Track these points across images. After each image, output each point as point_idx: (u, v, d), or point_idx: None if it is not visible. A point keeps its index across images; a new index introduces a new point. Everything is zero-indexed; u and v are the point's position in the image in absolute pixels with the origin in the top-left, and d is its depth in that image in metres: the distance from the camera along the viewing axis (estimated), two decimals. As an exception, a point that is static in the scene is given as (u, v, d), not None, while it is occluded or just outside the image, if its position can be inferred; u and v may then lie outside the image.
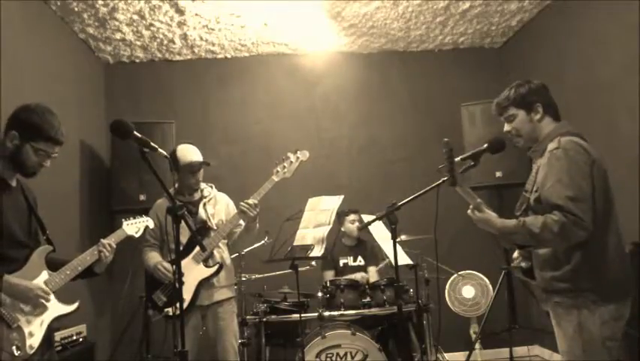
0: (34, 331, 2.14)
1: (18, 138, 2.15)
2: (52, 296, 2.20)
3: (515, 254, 2.35)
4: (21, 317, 2.10)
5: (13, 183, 2.24)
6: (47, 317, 2.21)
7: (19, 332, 2.07)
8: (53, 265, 2.28)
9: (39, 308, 2.17)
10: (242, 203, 3.06)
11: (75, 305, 2.34)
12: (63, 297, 2.27)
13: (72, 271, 2.30)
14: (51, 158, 2.23)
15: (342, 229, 4.29)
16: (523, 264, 2.25)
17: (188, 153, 3.17)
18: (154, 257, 3.13)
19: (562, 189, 1.98)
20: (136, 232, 2.61)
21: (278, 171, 3.19)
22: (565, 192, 1.96)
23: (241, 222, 3.16)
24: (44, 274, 2.24)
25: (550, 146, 2.08)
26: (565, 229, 1.93)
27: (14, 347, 2.03)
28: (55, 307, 2.24)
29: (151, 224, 2.69)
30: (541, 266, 2.14)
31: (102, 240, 2.37)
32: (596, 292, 1.99)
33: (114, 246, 2.38)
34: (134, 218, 2.65)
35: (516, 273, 2.35)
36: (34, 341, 2.12)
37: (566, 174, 1.99)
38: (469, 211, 2.20)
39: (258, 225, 3.23)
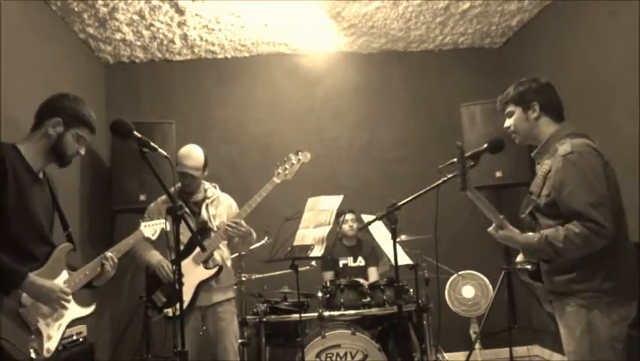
0: (52, 334, 2.07)
1: (61, 125, 2.12)
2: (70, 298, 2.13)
3: (519, 258, 2.33)
4: (40, 320, 2.03)
5: (40, 175, 2.18)
6: (65, 320, 2.15)
7: (38, 335, 2.01)
8: (68, 267, 2.23)
9: (58, 311, 2.10)
10: (227, 224, 3.08)
11: (92, 308, 2.28)
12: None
13: (91, 271, 2.25)
14: (85, 146, 2.22)
15: (338, 230, 4.28)
16: (528, 266, 2.24)
17: (182, 158, 3.14)
18: (154, 254, 3.11)
19: (581, 195, 1.96)
20: (152, 234, 2.60)
21: (279, 173, 3.19)
22: (585, 198, 1.95)
23: None
24: (64, 274, 2.17)
25: (562, 149, 2.06)
26: (587, 241, 1.92)
27: (32, 350, 1.96)
28: (73, 310, 2.18)
29: (167, 227, 2.69)
30: (553, 270, 2.11)
31: (107, 252, 2.33)
32: (611, 293, 1.98)
33: (116, 261, 2.34)
34: (151, 219, 2.64)
35: (521, 276, 2.32)
36: (51, 345, 2.06)
37: (584, 179, 1.98)
38: (490, 230, 2.16)
39: (254, 235, 3.25)
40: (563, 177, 2.02)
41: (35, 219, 2.08)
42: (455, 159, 2.34)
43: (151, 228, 2.60)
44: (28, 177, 2.08)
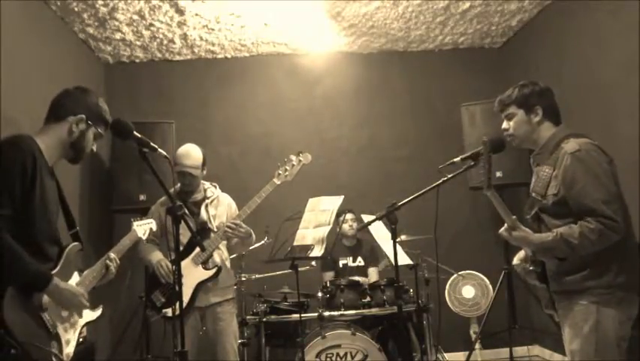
0: (70, 339, 2.04)
1: (85, 123, 2.09)
2: None
3: (520, 256, 2.33)
4: (59, 324, 1.99)
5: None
6: (79, 325, 2.12)
7: (58, 340, 1.96)
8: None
9: (74, 315, 2.07)
10: (226, 225, 3.06)
11: (99, 311, 2.25)
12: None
13: (98, 274, 2.23)
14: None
15: (338, 230, 4.27)
16: (532, 267, 2.23)
17: (180, 158, 3.14)
18: (156, 254, 3.12)
19: (593, 191, 1.98)
20: (143, 234, 2.61)
21: (279, 174, 3.18)
22: (596, 194, 1.97)
23: None
24: (76, 276, 2.14)
25: (569, 147, 2.07)
26: (602, 236, 1.93)
27: (53, 357, 1.91)
28: (86, 314, 2.15)
29: (154, 226, 2.71)
30: (564, 269, 2.09)
31: (110, 253, 2.31)
32: (624, 288, 1.99)
33: (118, 262, 2.32)
34: (141, 219, 2.63)
35: (526, 277, 2.31)
36: (70, 350, 2.02)
37: (594, 176, 2.00)
38: (502, 231, 2.13)
39: (254, 236, 3.24)
40: (574, 174, 2.02)
41: (51, 218, 2.04)
42: (454, 159, 2.35)
43: (141, 228, 2.61)
44: (46, 173, 2.01)
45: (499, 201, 2.07)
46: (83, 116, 2.08)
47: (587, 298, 2.03)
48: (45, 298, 1.92)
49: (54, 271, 1.99)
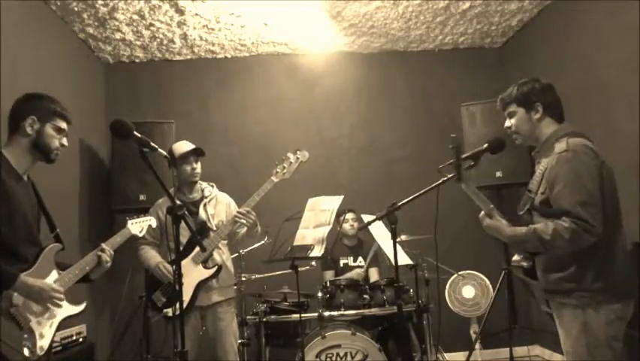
0: (45, 332, 2.12)
1: (37, 122, 2.17)
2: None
3: (515, 257, 2.34)
4: (32, 318, 2.08)
5: (25, 177, 2.23)
6: (57, 319, 2.19)
7: (30, 334, 2.06)
8: (58, 266, 2.27)
9: (50, 309, 2.15)
10: (235, 213, 3.10)
11: (83, 306, 2.33)
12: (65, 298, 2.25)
13: (80, 270, 2.29)
14: (66, 137, 2.28)
15: (338, 229, 4.28)
16: (524, 263, 2.24)
17: (181, 145, 3.23)
18: (154, 256, 3.13)
19: (571, 193, 1.97)
20: (140, 231, 2.62)
21: (277, 172, 3.19)
22: (574, 196, 1.96)
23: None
24: (54, 274, 2.21)
25: (558, 147, 2.07)
26: (575, 236, 1.93)
27: (26, 349, 2.01)
28: (65, 308, 2.22)
29: (154, 223, 2.72)
30: (545, 268, 2.12)
31: (103, 244, 2.37)
32: (603, 291, 1.99)
33: (112, 252, 2.38)
34: (138, 217, 2.65)
35: (517, 272, 2.34)
36: (44, 343, 2.10)
37: (576, 178, 1.99)
38: (480, 216, 2.18)
39: (259, 228, 3.25)
40: (556, 175, 2.04)
41: (24, 221, 2.14)
42: (453, 152, 2.36)
43: (138, 225, 2.62)
44: (13, 179, 2.13)
45: (475, 191, 2.10)
46: (33, 117, 2.17)
47: (569, 301, 2.04)
48: (15, 295, 2.02)
49: (29, 271, 2.09)
